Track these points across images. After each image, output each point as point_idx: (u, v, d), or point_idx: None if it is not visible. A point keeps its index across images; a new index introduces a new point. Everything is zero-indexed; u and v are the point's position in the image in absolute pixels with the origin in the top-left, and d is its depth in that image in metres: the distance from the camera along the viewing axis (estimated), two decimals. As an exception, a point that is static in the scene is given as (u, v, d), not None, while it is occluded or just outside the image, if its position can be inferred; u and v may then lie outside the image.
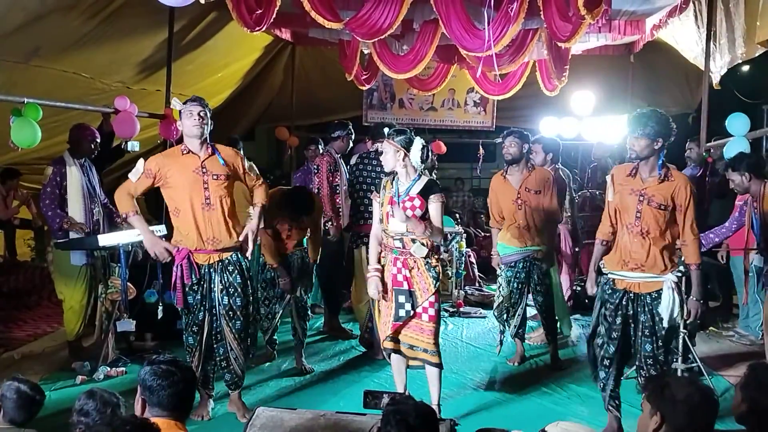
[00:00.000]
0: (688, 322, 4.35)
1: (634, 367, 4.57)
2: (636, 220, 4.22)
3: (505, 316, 6.01)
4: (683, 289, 4.37)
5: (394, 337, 4.60)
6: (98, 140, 5.97)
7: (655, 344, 4.28)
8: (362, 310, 6.42)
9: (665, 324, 4.23)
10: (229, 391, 4.83)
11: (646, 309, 4.27)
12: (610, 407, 4.45)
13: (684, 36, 8.03)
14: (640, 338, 4.31)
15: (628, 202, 4.26)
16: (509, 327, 6.05)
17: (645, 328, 4.28)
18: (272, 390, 5.33)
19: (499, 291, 5.98)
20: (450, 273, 8.36)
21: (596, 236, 4.59)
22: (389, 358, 4.73)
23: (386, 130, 4.51)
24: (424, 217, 4.46)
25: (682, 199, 4.17)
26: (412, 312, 4.50)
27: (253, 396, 5.16)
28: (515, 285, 5.87)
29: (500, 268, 5.94)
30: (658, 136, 4.14)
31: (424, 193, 4.47)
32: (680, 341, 5.40)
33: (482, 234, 11.04)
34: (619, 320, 4.33)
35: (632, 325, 4.34)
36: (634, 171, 4.28)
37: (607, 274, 4.41)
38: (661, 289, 4.23)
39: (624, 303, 4.32)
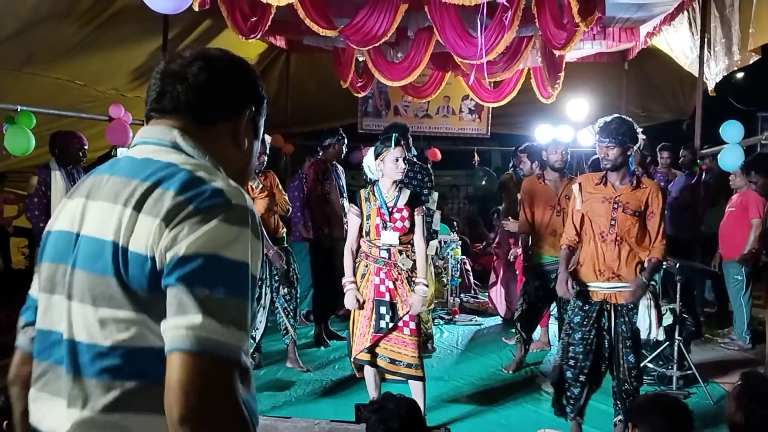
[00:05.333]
0: (643, 324, 4.34)
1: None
2: (611, 227, 4.22)
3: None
4: (660, 295, 4.36)
5: (371, 350, 4.52)
6: (86, 147, 5.96)
7: (637, 356, 4.29)
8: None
9: (644, 336, 4.24)
10: None
11: (626, 319, 4.27)
12: (576, 418, 4.46)
13: (678, 43, 8.06)
14: (621, 350, 4.28)
15: (601, 210, 4.26)
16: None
17: (626, 339, 4.26)
18: (266, 399, 5.30)
19: (524, 300, 5.96)
20: (445, 280, 8.34)
21: (561, 242, 4.56)
22: (360, 371, 4.65)
23: (394, 135, 4.45)
24: (412, 229, 4.46)
25: (655, 206, 4.22)
26: (391, 324, 4.44)
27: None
28: (541, 294, 5.86)
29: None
30: (629, 143, 4.18)
31: (411, 204, 4.47)
32: (675, 349, 5.41)
33: (482, 245, 11.00)
34: (593, 333, 4.30)
35: (608, 338, 4.32)
36: (603, 179, 4.29)
37: (579, 288, 4.36)
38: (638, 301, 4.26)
39: (600, 315, 4.30)
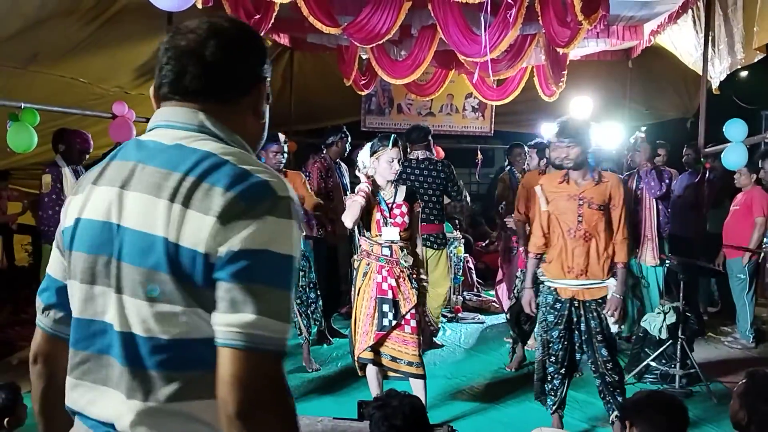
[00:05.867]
0: (610, 319, 4.36)
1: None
2: (578, 224, 4.27)
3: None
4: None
5: (374, 348, 4.52)
6: (90, 149, 5.98)
7: (610, 348, 4.34)
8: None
9: (614, 330, 4.31)
10: None
11: (595, 315, 4.32)
12: (558, 410, 4.50)
13: (682, 41, 8.05)
14: (595, 345, 4.33)
15: (566, 208, 4.30)
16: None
17: (597, 334, 4.32)
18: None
19: (515, 295, 5.94)
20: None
21: (528, 250, 4.60)
22: (362, 369, 4.65)
23: (393, 135, 4.48)
24: (412, 224, 4.49)
25: (617, 199, 4.29)
26: (394, 322, 4.45)
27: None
28: None
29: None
30: (588, 142, 4.27)
31: (409, 200, 4.50)
32: (678, 347, 5.40)
33: (484, 243, 11.00)
34: (563, 327, 4.36)
35: (577, 333, 4.38)
36: (566, 178, 4.34)
37: (549, 286, 4.41)
38: (606, 295, 4.30)
39: (570, 312, 4.36)
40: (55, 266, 1.53)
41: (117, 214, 1.37)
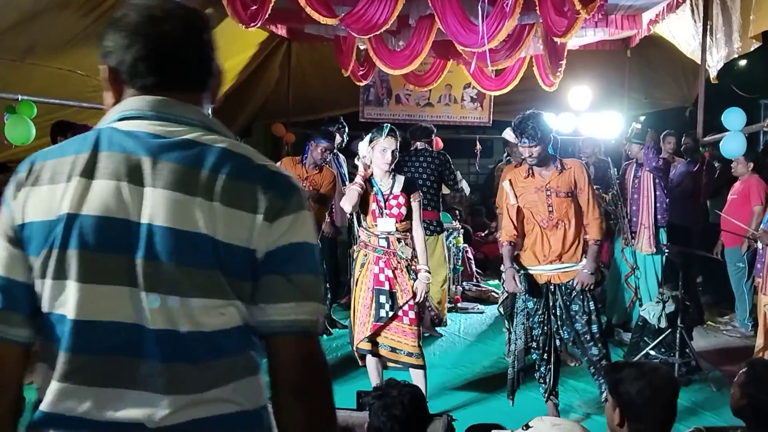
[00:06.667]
0: (579, 287, 4.39)
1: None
2: (549, 214, 4.37)
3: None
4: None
5: (372, 339, 4.54)
6: None
7: (590, 324, 4.41)
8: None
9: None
10: None
11: (573, 295, 4.40)
12: (551, 397, 4.57)
13: (681, 30, 8.02)
14: (574, 323, 4.41)
15: (536, 200, 4.40)
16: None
17: (581, 314, 4.40)
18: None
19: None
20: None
21: (502, 239, 4.65)
22: (362, 359, 4.68)
23: (387, 126, 4.51)
24: (409, 215, 4.47)
25: (582, 183, 4.38)
26: (391, 313, 4.46)
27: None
28: None
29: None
30: (549, 137, 4.34)
31: (407, 190, 4.50)
32: (677, 336, 5.42)
33: (483, 233, 11.00)
34: (542, 312, 4.46)
35: (554, 318, 4.46)
36: (530, 172, 4.43)
37: (525, 273, 4.49)
38: None
39: (546, 297, 4.45)
40: (11, 264, 1.38)
41: (136, 211, 1.32)
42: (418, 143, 6.68)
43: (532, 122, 4.28)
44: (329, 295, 6.06)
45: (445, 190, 6.86)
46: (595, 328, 4.43)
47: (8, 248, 1.39)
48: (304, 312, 1.39)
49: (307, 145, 6.08)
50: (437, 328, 6.87)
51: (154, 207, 1.32)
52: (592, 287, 4.44)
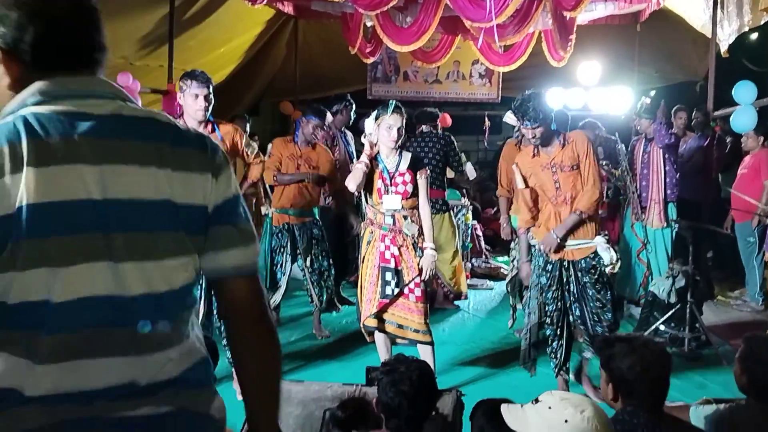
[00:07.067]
0: (607, 268, 4.39)
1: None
2: (557, 190, 4.35)
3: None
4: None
5: (379, 315, 4.55)
6: None
7: (611, 291, 4.41)
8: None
9: (609, 271, 4.41)
10: None
11: (584, 269, 4.38)
12: (561, 372, 4.57)
13: (691, 4, 7.94)
14: (585, 300, 4.39)
15: (544, 178, 4.39)
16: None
17: (590, 288, 4.37)
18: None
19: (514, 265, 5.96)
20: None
21: (518, 227, 4.66)
22: (370, 336, 4.70)
23: (393, 103, 4.49)
24: (415, 192, 4.46)
25: (582, 154, 4.32)
26: (397, 290, 4.47)
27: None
28: None
29: None
30: (549, 117, 4.29)
31: (413, 168, 4.48)
32: (687, 310, 5.41)
33: (492, 210, 10.98)
34: (556, 288, 4.45)
35: (567, 294, 4.45)
36: (536, 151, 4.42)
37: (539, 249, 4.48)
38: (595, 252, 4.38)
39: (560, 273, 4.43)
40: None
41: (99, 190, 1.35)
42: (423, 126, 6.74)
43: (531, 103, 4.25)
44: (332, 272, 6.05)
45: (450, 174, 6.84)
46: (608, 315, 4.38)
47: None
48: (249, 255, 1.55)
49: (298, 123, 6.02)
50: (456, 302, 6.92)
51: (117, 183, 1.38)
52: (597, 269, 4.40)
